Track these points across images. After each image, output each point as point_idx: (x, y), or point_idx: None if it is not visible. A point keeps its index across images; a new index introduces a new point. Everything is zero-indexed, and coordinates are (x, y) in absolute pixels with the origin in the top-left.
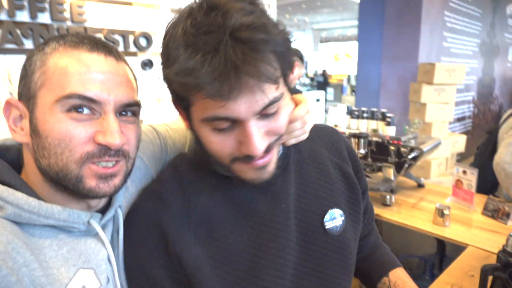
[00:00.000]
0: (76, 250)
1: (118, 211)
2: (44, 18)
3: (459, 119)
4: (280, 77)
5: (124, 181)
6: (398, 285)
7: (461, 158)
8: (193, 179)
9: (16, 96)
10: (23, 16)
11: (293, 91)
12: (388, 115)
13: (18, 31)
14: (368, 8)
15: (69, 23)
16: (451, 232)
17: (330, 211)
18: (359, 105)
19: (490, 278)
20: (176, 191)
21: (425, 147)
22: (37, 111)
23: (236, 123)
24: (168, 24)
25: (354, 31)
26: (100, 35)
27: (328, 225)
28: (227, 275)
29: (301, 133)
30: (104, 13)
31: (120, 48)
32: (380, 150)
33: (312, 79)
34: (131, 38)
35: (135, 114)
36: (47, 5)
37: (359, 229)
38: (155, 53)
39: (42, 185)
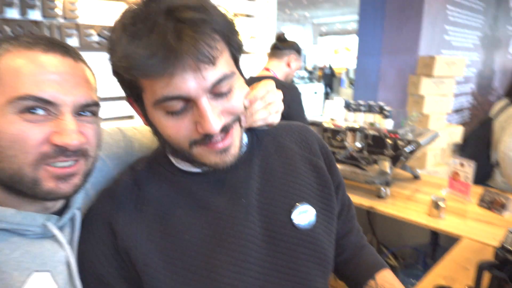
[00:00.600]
0: (31, 253)
1: (77, 213)
2: (34, 15)
3: (457, 111)
4: (226, 57)
5: (85, 180)
6: (383, 286)
7: (458, 148)
8: (149, 176)
9: None
10: (12, 13)
11: (254, 80)
12: (386, 108)
13: (7, 28)
14: (369, 2)
15: (60, 19)
16: (446, 224)
17: (298, 206)
18: (357, 97)
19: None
20: (130, 188)
21: (422, 140)
22: None
23: (189, 105)
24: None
25: (354, 25)
26: (92, 32)
27: (296, 219)
28: (182, 271)
29: (266, 115)
30: (97, 9)
31: None
32: (377, 143)
33: (310, 72)
34: None
35: (94, 113)
36: (38, 2)
37: (333, 224)
38: None
39: None
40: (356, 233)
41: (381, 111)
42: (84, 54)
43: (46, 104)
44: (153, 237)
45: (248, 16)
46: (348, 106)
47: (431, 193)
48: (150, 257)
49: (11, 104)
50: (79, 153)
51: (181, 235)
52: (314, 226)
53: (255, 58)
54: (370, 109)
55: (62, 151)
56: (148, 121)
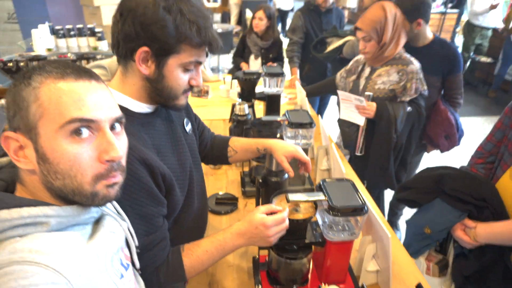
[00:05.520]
0: (101, 236)
1: None
2: None
3: None
4: None
5: (120, 190)
6: (235, 145)
7: None
8: (135, 122)
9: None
10: None
11: None
12: (97, 30)
13: None
14: None
15: None
16: None
17: (184, 120)
18: (20, 13)
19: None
20: (138, 130)
21: None
22: (41, 140)
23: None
24: None
25: None
26: None
27: (187, 129)
28: (179, 181)
29: None
30: None
31: None
32: None
33: None
34: None
35: (122, 125)
36: None
37: (196, 129)
38: None
39: (50, 200)
40: (208, 130)
41: (93, 33)
42: None
43: (89, 123)
44: (163, 162)
45: None
46: (55, 33)
47: None
48: (169, 174)
49: (62, 129)
50: (121, 167)
51: (165, 156)
52: (191, 132)
53: None
54: (80, 33)
55: (112, 166)
56: (160, 72)
